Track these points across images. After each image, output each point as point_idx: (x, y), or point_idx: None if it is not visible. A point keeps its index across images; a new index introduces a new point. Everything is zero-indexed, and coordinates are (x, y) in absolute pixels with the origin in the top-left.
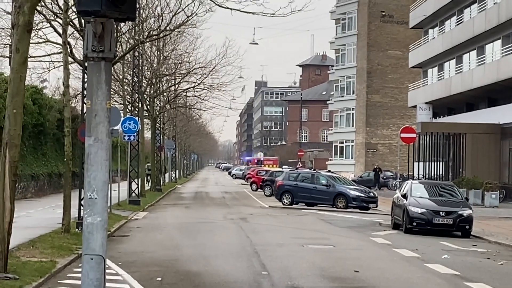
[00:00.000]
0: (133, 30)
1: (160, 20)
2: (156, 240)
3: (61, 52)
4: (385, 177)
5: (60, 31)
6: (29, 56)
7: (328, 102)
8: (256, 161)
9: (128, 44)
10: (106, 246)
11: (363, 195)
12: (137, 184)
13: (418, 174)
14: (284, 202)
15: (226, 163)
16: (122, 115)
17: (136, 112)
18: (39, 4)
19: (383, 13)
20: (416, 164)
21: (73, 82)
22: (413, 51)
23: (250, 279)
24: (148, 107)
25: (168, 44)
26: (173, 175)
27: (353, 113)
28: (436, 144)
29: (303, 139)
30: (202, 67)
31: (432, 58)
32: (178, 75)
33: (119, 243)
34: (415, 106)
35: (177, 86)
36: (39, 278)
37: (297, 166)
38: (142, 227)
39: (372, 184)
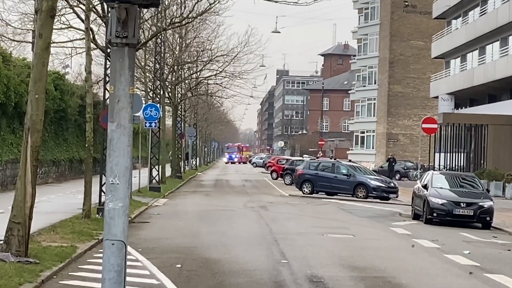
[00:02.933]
0: (155, 17)
1: (182, 7)
2: (176, 227)
3: (83, 38)
4: (405, 168)
5: (83, 17)
6: (51, 41)
7: (349, 91)
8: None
9: (150, 31)
10: (127, 231)
11: (383, 185)
12: (158, 171)
13: (439, 165)
14: (304, 191)
15: None
16: (143, 102)
17: (157, 99)
18: None
19: (406, 3)
20: (437, 155)
21: (95, 68)
22: (436, 41)
23: (270, 268)
24: (170, 94)
25: (190, 31)
26: (194, 162)
27: (374, 103)
28: (457, 135)
29: (324, 128)
30: (224, 55)
31: (454, 49)
32: (199, 62)
33: (139, 230)
34: (437, 97)
35: (198, 73)
36: (59, 263)
37: (318, 155)
38: (162, 213)
39: (391, 174)
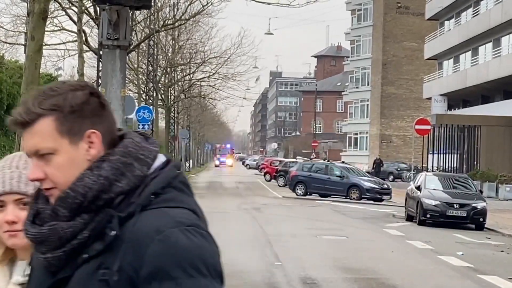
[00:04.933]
0: (148, 19)
1: (175, 10)
2: None
3: (76, 40)
4: (399, 169)
5: (75, 19)
6: (44, 44)
7: (343, 93)
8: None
9: (143, 33)
10: None
11: (377, 186)
12: None
13: (432, 166)
14: (298, 192)
15: (240, 153)
16: (136, 104)
17: (150, 101)
18: None
19: (399, 4)
20: (430, 156)
21: (87, 70)
22: (429, 42)
23: (263, 269)
24: (163, 96)
25: (183, 33)
26: (187, 164)
27: (367, 105)
28: (450, 136)
29: (318, 130)
30: (217, 56)
31: (447, 50)
32: (193, 64)
33: None
34: (430, 98)
35: (191, 75)
36: None
37: (311, 157)
38: None
39: (385, 176)
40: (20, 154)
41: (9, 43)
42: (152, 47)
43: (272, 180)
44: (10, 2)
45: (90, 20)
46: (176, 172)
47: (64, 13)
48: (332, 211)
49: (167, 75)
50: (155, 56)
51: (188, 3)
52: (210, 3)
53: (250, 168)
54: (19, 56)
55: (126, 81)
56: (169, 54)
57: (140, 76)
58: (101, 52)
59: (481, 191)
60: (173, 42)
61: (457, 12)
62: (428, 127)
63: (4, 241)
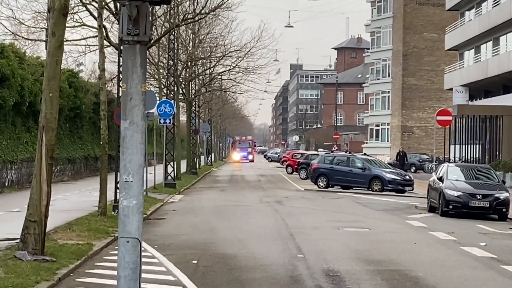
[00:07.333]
0: (168, 14)
1: (195, 3)
2: (192, 223)
3: (96, 36)
4: (421, 160)
5: (96, 14)
6: (65, 39)
7: (363, 85)
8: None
9: (163, 27)
10: (142, 229)
11: (399, 178)
12: (173, 167)
13: (454, 157)
14: (320, 185)
15: (261, 146)
16: (157, 98)
17: (171, 95)
18: None
19: None
20: (452, 147)
21: (108, 65)
22: (449, 33)
23: (286, 262)
24: (184, 90)
25: (203, 27)
26: (209, 158)
27: (388, 96)
28: (472, 126)
29: (339, 122)
30: (237, 50)
31: (468, 40)
32: (213, 58)
33: (155, 226)
34: (451, 89)
35: (212, 69)
36: (75, 260)
37: (333, 149)
38: (178, 210)
39: (407, 167)
40: None
41: (31, 40)
42: (173, 42)
43: (294, 173)
44: None
45: (111, 15)
46: None
47: (84, 8)
48: (354, 203)
49: (187, 69)
50: (175, 51)
51: None
52: None
53: (271, 161)
54: (40, 52)
55: (147, 76)
56: (190, 48)
57: (161, 71)
58: (121, 48)
59: (503, 182)
60: (193, 36)
61: (478, 2)
62: (450, 118)
63: None
